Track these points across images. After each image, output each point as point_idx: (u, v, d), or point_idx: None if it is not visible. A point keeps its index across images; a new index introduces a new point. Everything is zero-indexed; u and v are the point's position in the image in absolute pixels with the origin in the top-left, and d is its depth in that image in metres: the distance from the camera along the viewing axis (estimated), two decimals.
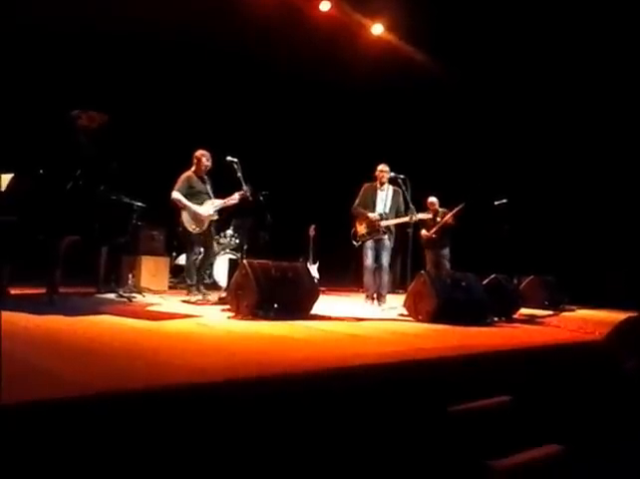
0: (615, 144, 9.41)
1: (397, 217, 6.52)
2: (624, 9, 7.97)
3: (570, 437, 3.07)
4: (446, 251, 8.25)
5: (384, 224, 6.47)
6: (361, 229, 6.61)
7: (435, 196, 8.31)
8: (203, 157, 6.16)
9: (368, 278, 6.57)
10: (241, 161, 6.00)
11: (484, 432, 2.83)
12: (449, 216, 8.09)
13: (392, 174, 6.54)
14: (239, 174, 5.99)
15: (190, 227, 6.05)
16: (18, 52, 7.04)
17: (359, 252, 6.72)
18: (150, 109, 8.21)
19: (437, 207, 8.29)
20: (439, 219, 8.15)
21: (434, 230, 8.11)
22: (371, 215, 6.50)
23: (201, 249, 6.48)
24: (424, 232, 8.18)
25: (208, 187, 6.25)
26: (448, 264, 8.23)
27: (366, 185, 6.76)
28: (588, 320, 6.31)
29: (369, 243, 6.53)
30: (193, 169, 6.19)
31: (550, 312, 6.95)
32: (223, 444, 2.04)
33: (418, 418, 2.70)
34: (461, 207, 8.08)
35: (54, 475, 1.68)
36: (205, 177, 6.28)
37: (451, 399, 2.84)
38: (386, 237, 6.50)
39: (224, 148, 6.14)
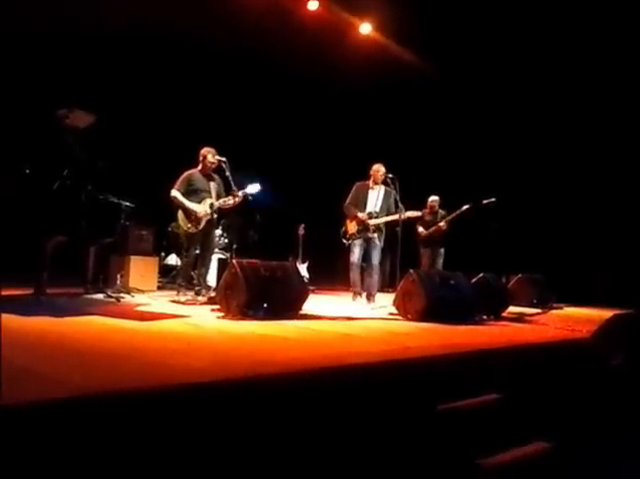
0: (603, 144, 9.49)
1: (387, 216, 6.50)
2: (608, 8, 8.05)
3: (559, 434, 3.10)
4: (442, 251, 8.27)
5: (373, 222, 6.45)
6: (351, 227, 6.57)
7: (428, 194, 8.36)
8: (209, 154, 5.99)
9: (354, 275, 6.57)
10: (230, 160, 5.96)
11: (473, 430, 2.85)
12: (443, 222, 8.11)
13: None
14: (227, 173, 5.94)
15: (186, 225, 5.95)
16: (4, 50, 6.96)
17: (348, 251, 6.69)
18: (140, 108, 8.15)
19: (437, 206, 8.29)
20: (440, 217, 8.20)
21: (431, 229, 8.12)
22: (360, 214, 6.46)
23: (197, 250, 6.21)
24: (421, 229, 8.19)
25: (213, 185, 6.05)
26: (441, 263, 8.27)
27: (358, 183, 6.70)
28: (576, 318, 6.38)
29: (357, 241, 6.51)
30: (199, 167, 6.07)
31: (538, 311, 7.02)
32: (215, 444, 2.04)
33: (407, 416, 2.71)
34: (457, 213, 8.10)
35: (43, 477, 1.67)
36: (214, 175, 6.10)
37: (440, 397, 2.85)
38: (376, 235, 6.48)
39: (214, 146, 6.09)
